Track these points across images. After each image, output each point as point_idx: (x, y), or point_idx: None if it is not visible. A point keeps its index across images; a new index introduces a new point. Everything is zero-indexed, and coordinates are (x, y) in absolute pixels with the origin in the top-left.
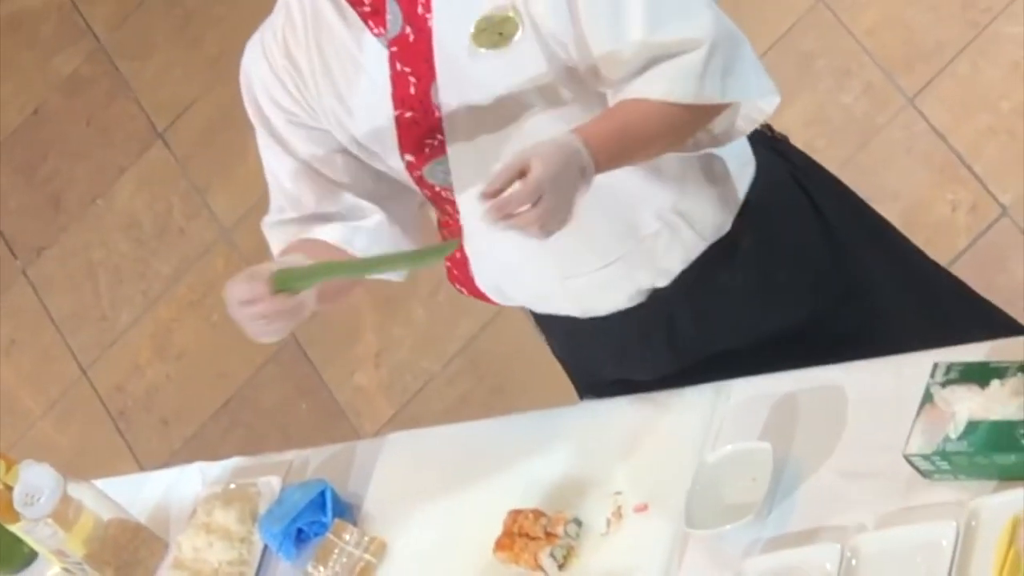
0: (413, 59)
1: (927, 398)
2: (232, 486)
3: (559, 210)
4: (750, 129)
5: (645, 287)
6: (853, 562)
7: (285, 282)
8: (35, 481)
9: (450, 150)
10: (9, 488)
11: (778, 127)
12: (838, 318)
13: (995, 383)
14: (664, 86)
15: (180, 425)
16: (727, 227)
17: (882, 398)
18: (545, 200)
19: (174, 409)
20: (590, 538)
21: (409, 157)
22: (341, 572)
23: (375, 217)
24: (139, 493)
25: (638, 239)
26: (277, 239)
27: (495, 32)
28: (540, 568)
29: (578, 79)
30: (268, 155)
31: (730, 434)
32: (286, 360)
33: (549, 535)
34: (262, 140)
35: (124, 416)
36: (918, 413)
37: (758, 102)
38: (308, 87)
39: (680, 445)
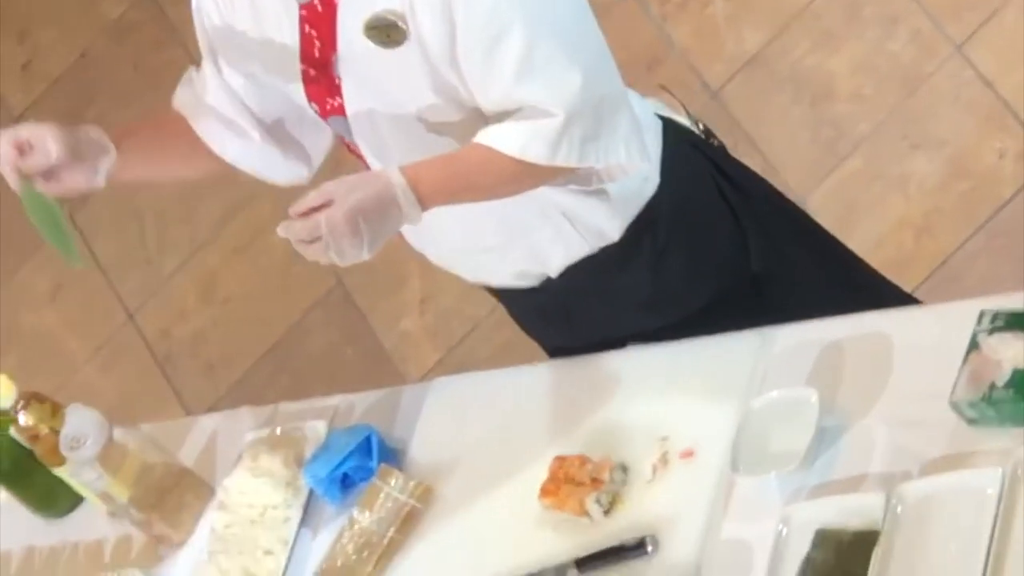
0: (319, 26)
1: (973, 345)
2: (278, 431)
3: (344, 248)
4: (619, 178)
5: (533, 273)
6: (899, 509)
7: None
8: (81, 425)
9: (350, 117)
10: (55, 432)
11: (825, 75)
12: (741, 305)
13: None
14: (519, 143)
15: (226, 370)
16: (615, 237)
17: (928, 346)
18: (333, 238)
19: (220, 354)
20: (635, 484)
21: (315, 106)
22: (386, 517)
23: (255, 136)
24: (185, 438)
25: (520, 232)
26: (183, 94)
27: (384, 34)
28: (586, 514)
29: (462, 100)
30: (202, 41)
31: (776, 380)
32: (332, 305)
33: (594, 481)
34: (199, 30)
35: (170, 361)
36: (964, 361)
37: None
38: (235, 12)
39: (726, 391)
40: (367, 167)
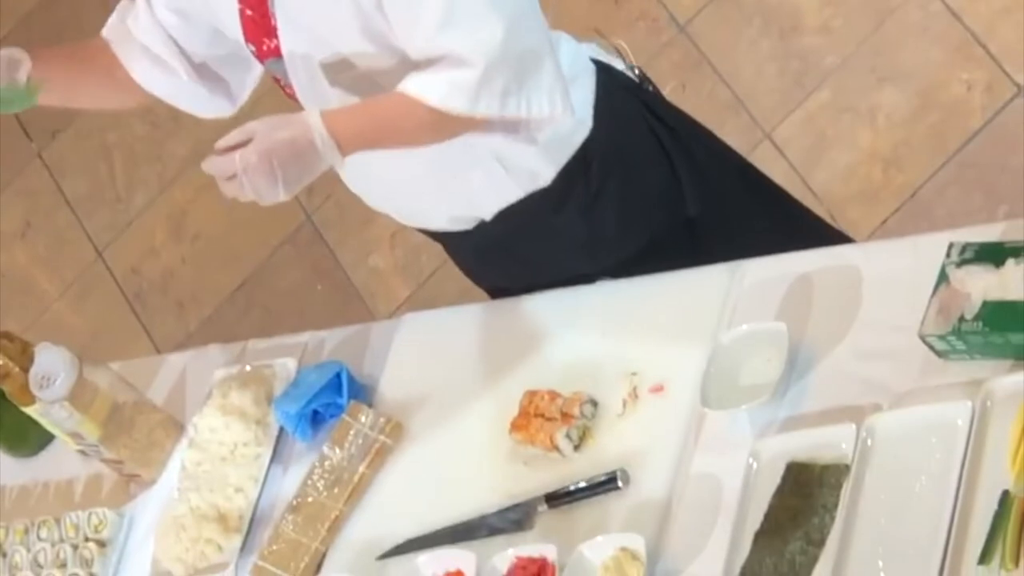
0: None
1: (942, 278)
2: (248, 368)
3: (260, 187)
4: (545, 128)
5: (467, 217)
6: (868, 442)
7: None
8: (51, 364)
9: (285, 59)
10: (25, 371)
11: (793, 7)
12: (680, 242)
13: (1010, 262)
14: (440, 93)
15: (196, 307)
16: (547, 180)
17: (898, 278)
18: (248, 177)
19: (190, 291)
20: (606, 419)
21: (251, 47)
22: (357, 454)
23: (181, 73)
24: (155, 375)
25: (451, 175)
26: (114, 25)
27: None
28: (556, 448)
29: (393, 46)
30: None
31: (745, 315)
32: (302, 242)
33: (565, 416)
34: None
35: (140, 298)
36: (933, 293)
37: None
38: None
39: (695, 326)
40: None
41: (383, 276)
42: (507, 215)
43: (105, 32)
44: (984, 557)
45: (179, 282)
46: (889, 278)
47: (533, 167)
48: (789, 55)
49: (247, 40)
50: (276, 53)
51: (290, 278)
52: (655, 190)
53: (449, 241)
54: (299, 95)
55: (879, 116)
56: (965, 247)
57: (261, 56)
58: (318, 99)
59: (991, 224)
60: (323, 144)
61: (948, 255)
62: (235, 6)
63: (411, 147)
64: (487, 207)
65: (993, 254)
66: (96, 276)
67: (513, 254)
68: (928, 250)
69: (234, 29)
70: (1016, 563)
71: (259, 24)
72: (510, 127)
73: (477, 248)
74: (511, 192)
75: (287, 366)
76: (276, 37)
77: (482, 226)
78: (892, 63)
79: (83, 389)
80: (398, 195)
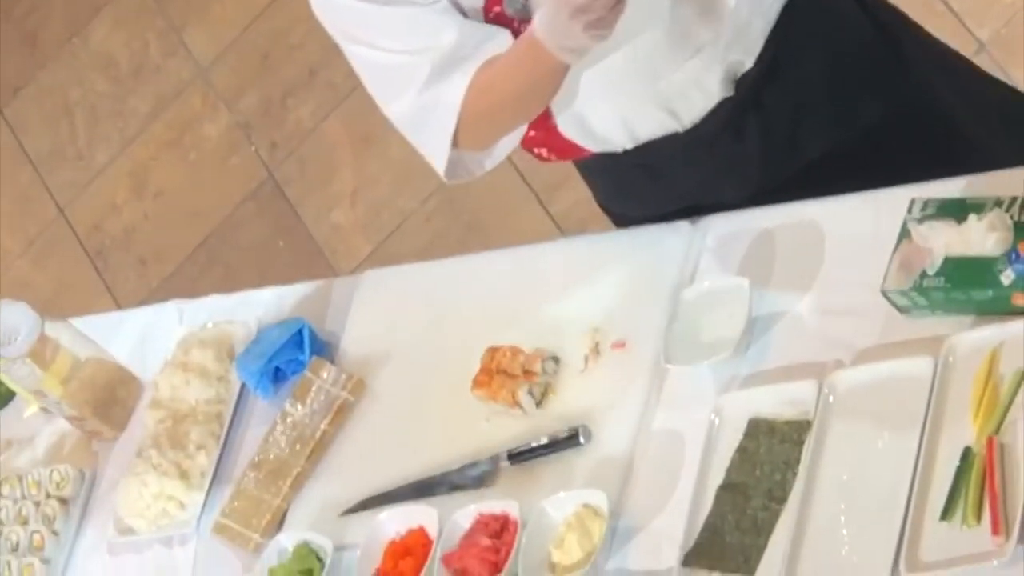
0: None
1: (904, 234)
2: (209, 325)
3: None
4: None
5: (735, 71)
6: (831, 398)
7: None
8: (12, 320)
9: None
10: None
11: None
12: (911, 127)
13: (972, 218)
14: None
15: (157, 264)
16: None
17: (859, 234)
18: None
19: (151, 248)
20: (568, 375)
21: None
22: (319, 410)
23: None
24: (117, 332)
25: (722, 16)
26: (450, 89)
27: None
28: (518, 405)
29: None
30: (381, 25)
31: (708, 270)
32: (263, 198)
33: (527, 372)
34: (359, 21)
35: (102, 255)
36: (895, 249)
37: None
38: None
39: (658, 282)
40: None
41: (345, 233)
42: (763, 55)
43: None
44: (946, 513)
45: (141, 239)
46: (851, 234)
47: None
48: None
49: None
50: None
51: (252, 235)
52: (861, 72)
53: (650, 152)
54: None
55: None
56: (927, 203)
57: None
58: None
59: (953, 179)
60: None
61: (910, 211)
62: None
63: None
64: (756, 39)
65: (955, 210)
66: (58, 233)
67: (757, 120)
68: (890, 206)
69: None
70: (978, 519)
71: None
72: None
73: (682, 149)
74: (769, 10)
75: (248, 323)
76: None
77: (738, 89)
78: None
79: (44, 346)
80: (680, 84)
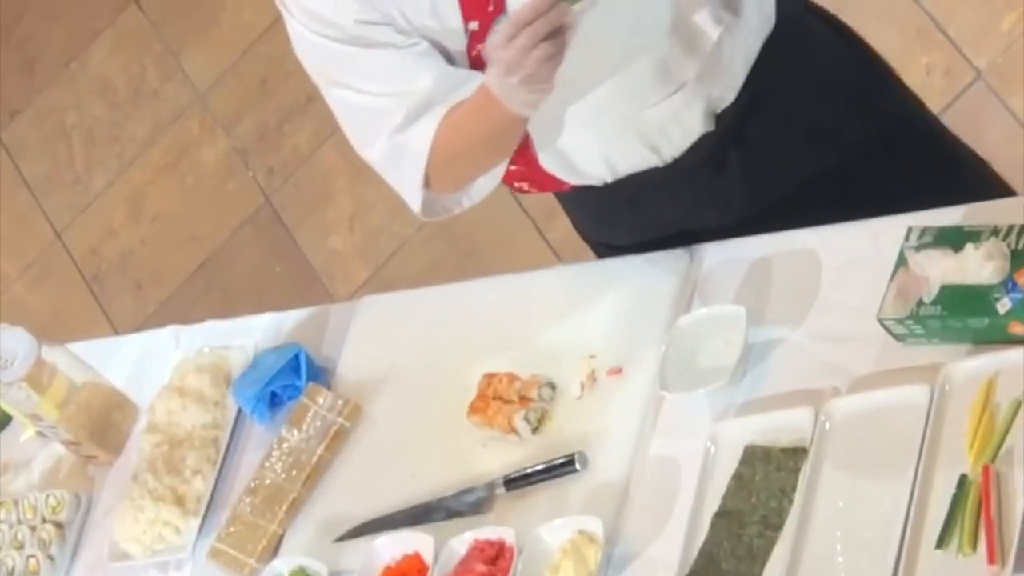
0: None
1: (901, 262)
2: (206, 350)
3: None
4: None
5: (716, 106)
6: (827, 426)
7: None
8: (9, 344)
9: (509, 4)
10: None
11: None
12: (898, 152)
13: (969, 247)
14: None
15: (154, 288)
16: (773, 18)
17: (856, 262)
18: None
19: (148, 272)
20: (564, 401)
21: (474, 25)
22: (315, 436)
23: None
24: (113, 357)
25: (705, 52)
26: (420, 132)
27: None
28: (514, 431)
29: None
30: (360, 65)
31: (704, 298)
32: (261, 223)
33: (523, 399)
34: (337, 61)
35: (98, 280)
36: (892, 277)
37: None
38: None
39: (654, 309)
40: None
41: (342, 258)
42: (746, 88)
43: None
44: (942, 541)
45: (138, 263)
46: (848, 262)
47: (758, 13)
48: None
49: (466, 20)
50: (499, 10)
51: (249, 260)
52: (843, 98)
53: (616, 190)
54: None
55: None
56: (924, 231)
57: (484, 26)
58: None
59: (950, 208)
60: None
61: (907, 239)
62: None
63: None
64: (737, 73)
65: (952, 238)
66: (55, 257)
67: (738, 155)
68: (887, 234)
69: (452, 17)
70: (974, 547)
71: None
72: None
73: (663, 181)
74: (751, 46)
75: (245, 348)
76: None
77: (720, 124)
78: None
79: (41, 370)
80: (661, 120)
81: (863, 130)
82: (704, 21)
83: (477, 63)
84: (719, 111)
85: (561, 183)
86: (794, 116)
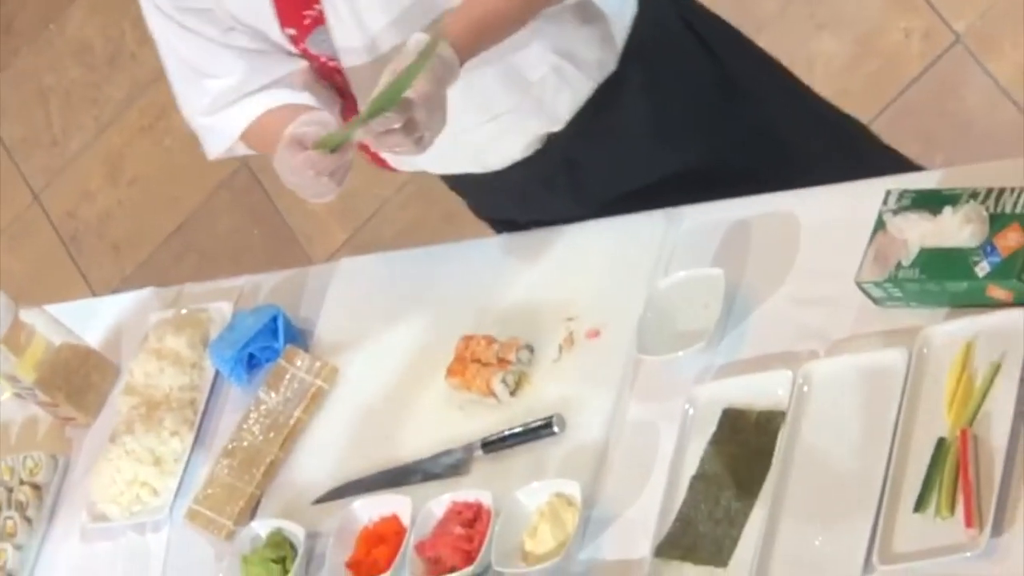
0: None
1: (879, 225)
2: (183, 311)
3: (435, 124)
4: None
5: (539, 134)
6: (805, 389)
7: (328, 143)
8: None
9: (329, 17)
10: None
11: None
12: (742, 156)
13: (947, 210)
14: None
15: (132, 250)
16: (612, 66)
17: (834, 225)
18: (420, 131)
19: (126, 234)
20: (542, 364)
21: (290, 31)
22: (292, 398)
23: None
24: (91, 319)
25: (526, 88)
26: (228, 125)
27: None
28: (492, 394)
29: None
30: (177, 43)
31: (682, 261)
32: (239, 186)
33: (501, 361)
34: (168, 30)
35: (76, 241)
36: (870, 240)
37: None
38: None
39: (632, 271)
40: (341, 88)
41: (320, 220)
42: (579, 120)
43: (251, 114)
44: (920, 505)
45: (115, 225)
46: (826, 225)
47: (597, 54)
48: (727, 1)
49: (283, 26)
50: (317, 23)
51: (227, 222)
52: (708, 80)
53: (494, 179)
54: (346, 59)
55: (817, 63)
56: (902, 194)
57: (302, 34)
58: (368, 44)
59: (928, 171)
60: (453, 65)
61: (885, 202)
62: None
63: (512, 31)
64: (562, 112)
65: (930, 201)
66: (32, 219)
67: (583, 168)
68: (865, 197)
69: (270, 21)
70: (951, 510)
71: None
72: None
73: (542, 175)
74: (583, 86)
75: (223, 310)
76: (317, 2)
77: (552, 142)
78: (831, 10)
79: (18, 332)
80: (476, 128)
81: (705, 150)
82: (525, 61)
83: (305, 55)
84: (545, 139)
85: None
86: (631, 150)
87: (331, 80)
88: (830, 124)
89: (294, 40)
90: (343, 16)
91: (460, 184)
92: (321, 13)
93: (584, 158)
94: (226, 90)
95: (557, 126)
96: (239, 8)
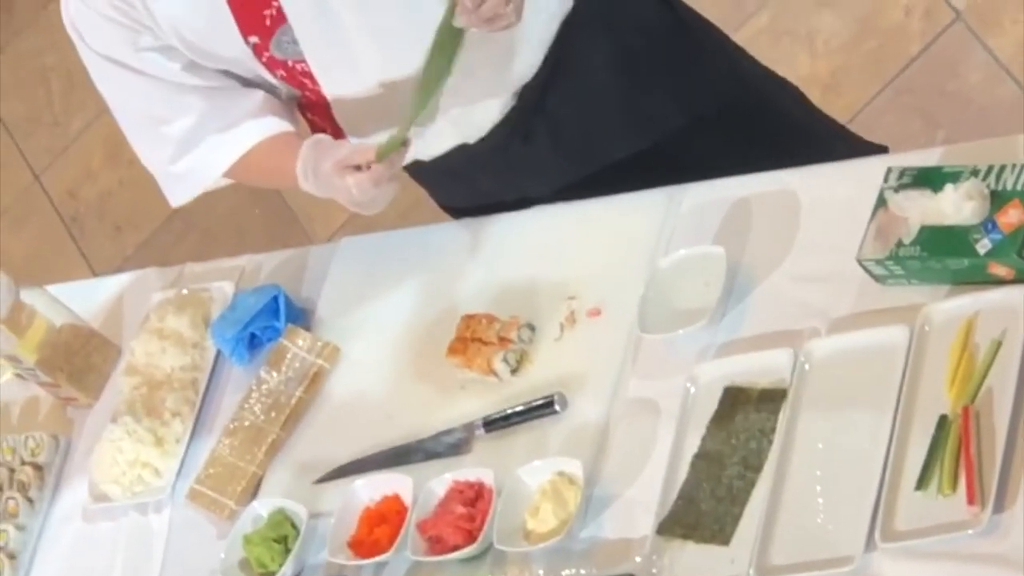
0: None
1: (881, 202)
2: (185, 291)
3: None
4: None
5: (513, 89)
6: (806, 366)
7: (388, 150)
8: None
9: (288, 13)
10: None
11: None
12: (708, 100)
13: (948, 187)
14: None
15: (133, 231)
16: (569, 3)
17: (836, 202)
18: None
19: (127, 215)
20: (543, 343)
21: (254, 39)
22: (294, 377)
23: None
24: (92, 299)
25: (494, 38)
26: (208, 163)
27: None
28: (493, 372)
29: None
30: (129, 96)
31: (683, 239)
32: None
33: (502, 340)
34: (119, 83)
35: (77, 222)
36: (872, 217)
37: None
38: (136, 7)
39: (633, 250)
40: (311, 94)
41: (321, 200)
42: (545, 68)
43: (234, 152)
44: (921, 482)
45: (116, 205)
46: (827, 202)
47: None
48: None
49: (245, 35)
50: (278, 23)
51: (228, 202)
52: (665, 22)
53: (478, 152)
54: (313, 62)
55: (818, 40)
56: (903, 172)
57: (266, 39)
58: (335, 44)
59: (929, 149)
60: None
61: (886, 180)
62: (220, 4)
63: None
64: (531, 57)
65: (931, 179)
66: (33, 200)
67: (557, 128)
68: (866, 175)
69: (231, 34)
70: (953, 488)
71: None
72: None
73: (477, 155)
74: (544, 30)
75: (224, 290)
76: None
77: (522, 101)
78: None
79: (20, 312)
80: (461, 106)
81: (681, 113)
82: None
83: (271, 65)
84: (519, 88)
85: None
86: (598, 88)
87: (301, 88)
88: (779, 83)
89: (258, 50)
90: (303, 9)
91: (445, 173)
92: (279, 10)
93: (557, 105)
94: (187, 131)
95: (529, 72)
96: (198, 29)
